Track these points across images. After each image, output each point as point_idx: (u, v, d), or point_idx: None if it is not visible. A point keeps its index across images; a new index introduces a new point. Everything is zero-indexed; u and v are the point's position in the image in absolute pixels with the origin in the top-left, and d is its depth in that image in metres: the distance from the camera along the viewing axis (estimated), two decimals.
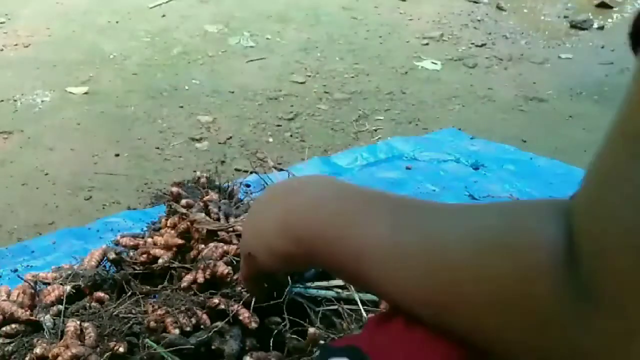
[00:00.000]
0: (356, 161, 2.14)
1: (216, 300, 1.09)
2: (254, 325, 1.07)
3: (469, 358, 0.47)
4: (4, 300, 1.15)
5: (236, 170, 2.10)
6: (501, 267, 0.40)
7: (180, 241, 1.25)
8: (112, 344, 1.03)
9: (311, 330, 1.04)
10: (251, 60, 2.98)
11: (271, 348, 1.07)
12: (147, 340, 1.04)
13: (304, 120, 2.47)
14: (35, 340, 1.06)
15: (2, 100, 2.49)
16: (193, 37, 3.18)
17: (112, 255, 1.27)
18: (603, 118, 2.29)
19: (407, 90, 2.78)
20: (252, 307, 1.08)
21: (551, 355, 0.39)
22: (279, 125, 2.42)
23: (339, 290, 1.15)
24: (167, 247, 1.26)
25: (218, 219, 1.26)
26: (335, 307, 1.12)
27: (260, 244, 0.67)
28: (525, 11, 3.81)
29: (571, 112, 2.65)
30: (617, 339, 0.34)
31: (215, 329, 1.06)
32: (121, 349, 1.02)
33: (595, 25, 3.66)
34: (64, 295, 1.17)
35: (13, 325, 1.12)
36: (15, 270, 1.52)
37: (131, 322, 1.09)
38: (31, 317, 1.12)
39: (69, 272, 1.23)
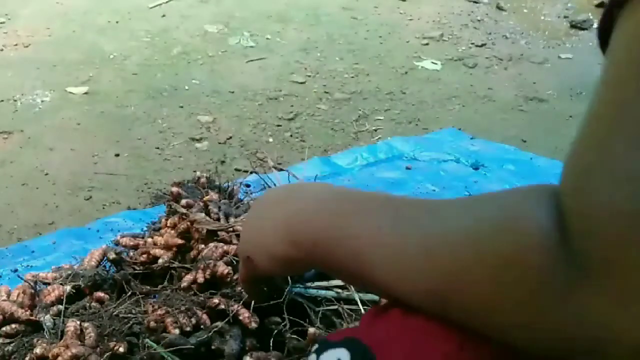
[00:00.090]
0: (356, 161, 2.14)
1: (216, 300, 1.09)
2: (254, 325, 1.07)
3: (468, 342, 0.47)
4: (4, 300, 1.15)
5: (236, 170, 2.10)
6: (498, 249, 0.42)
7: (180, 241, 1.25)
8: (112, 344, 1.03)
9: (311, 330, 1.04)
10: (251, 60, 2.98)
11: (271, 348, 1.07)
12: (147, 340, 1.04)
13: (304, 120, 2.47)
14: (35, 340, 1.06)
15: (2, 100, 2.49)
16: (193, 37, 3.18)
17: (112, 255, 1.27)
18: None
19: (407, 90, 2.78)
20: (252, 307, 1.08)
21: (546, 329, 0.40)
22: (279, 125, 2.42)
23: (339, 290, 1.15)
24: (167, 247, 1.26)
25: (218, 219, 1.26)
26: (335, 307, 1.12)
27: (260, 249, 0.67)
28: (525, 11, 3.81)
29: (571, 112, 2.65)
30: (605, 308, 0.37)
31: (215, 329, 1.06)
32: (121, 349, 1.02)
33: (595, 25, 3.65)
34: (64, 295, 1.17)
35: (13, 325, 1.12)
36: (15, 270, 1.52)
37: (131, 322, 1.09)
38: (31, 317, 1.12)
39: (69, 272, 1.23)
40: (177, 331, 1.04)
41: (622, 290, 0.36)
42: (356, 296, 1.13)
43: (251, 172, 1.83)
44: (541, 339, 0.41)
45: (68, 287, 1.19)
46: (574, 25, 3.63)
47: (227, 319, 1.07)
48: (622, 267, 0.36)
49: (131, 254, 1.32)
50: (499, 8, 3.78)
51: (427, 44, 3.28)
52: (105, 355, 1.01)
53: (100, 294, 1.19)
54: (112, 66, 2.84)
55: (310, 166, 2.03)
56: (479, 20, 3.62)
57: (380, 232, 0.52)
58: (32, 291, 1.20)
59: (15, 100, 2.50)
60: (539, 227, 0.40)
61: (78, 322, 1.08)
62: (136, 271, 1.26)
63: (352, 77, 2.88)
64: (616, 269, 0.36)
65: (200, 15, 3.41)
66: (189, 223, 1.25)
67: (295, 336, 1.07)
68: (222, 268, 1.14)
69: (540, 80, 2.97)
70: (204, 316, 1.08)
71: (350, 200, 0.58)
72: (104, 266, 1.29)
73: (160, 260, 1.25)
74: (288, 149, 2.27)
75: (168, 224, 1.31)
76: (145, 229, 1.45)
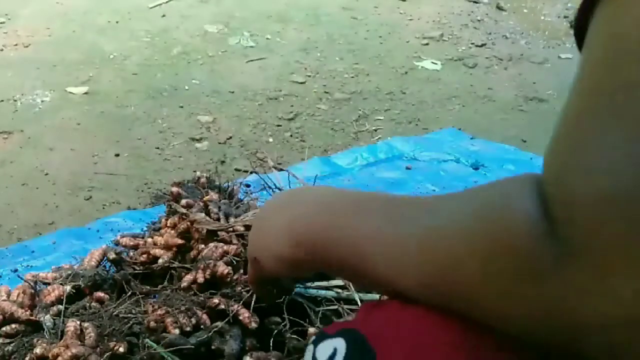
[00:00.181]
0: (356, 161, 2.14)
1: (216, 300, 1.09)
2: (254, 325, 1.07)
3: (470, 331, 0.48)
4: (4, 300, 1.15)
5: (236, 170, 2.10)
6: (487, 239, 0.44)
7: (180, 241, 1.25)
8: (112, 344, 1.03)
9: (311, 330, 1.04)
10: (251, 60, 2.98)
11: (271, 348, 1.07)
12: (147, 340, 1.04)
13: (304, 120, 2.47)
14: (35, 340, 1.06)
15: (2, 100, 2.49)
16: (193, 37, 3.18)
17: (112, 255, 1.27)
18: None
19: (407, 90, 2.78)
20: (252, 307, 1.08)
21: (534, 311, 0.42)
22: (279, 125, 2.42)
23: (339, 290, 1.15)
24: (167, 247, 1.26)
25: (218, 219, 1.26)
26: (335, 307, 1.12)
27: (266, 252, 0.70)
28: (525, 11, 3.81)
29: None
30: (584, 283, 0.39)
31: (215, 329, 1.06)
32: (121, 349, 1.02)
33: None
34: (64, 295, 1.17)
35: (13, 325, 1.12)
36: (15, 270, 1.53)
37: (131, 322, 1.09)
38: (31, 317, 1.12)
39: (69, 272, 1.23)
40: (177, 331, 1.04)
41: (598, 267, 0.39)
42: (356, 296, 1.13)
43: (251, 172, 1.83)
44: (531, 323, 0.43)
45: (68, 287, 1.19)
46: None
47: (227, 319, 1.07)
48: (597, 247, 0.38)
49: (131, 254, 1.32)
50: (499, 8, 3.78)
51: (427, 44, 3.28)
52: (105, 355, 1.01)
53: (100, 294, 1.19)
54: (112, 66, 2.84)
55: (310, 166, 2.03)
56: (479, 20, 3.62)
57: (379, 231, 0.54)
58: (32, 291, 1.20)
59: (15, 100, 2.50)
60: (526, 215, 0.42)
61: (78, 322, 1.08)
62: (136, 271, 1.26)
63: (352, 77, 2.88)
64: (593, 249, 0.39)
65: (200, 15, 3.41)
66: (189, 223, 1.25)
67: (295, 336, 1.07)
68: (222, 268, 1.14)
69: (540, 80, 2.97)
70: (204, 316, 1.08)
71: (348, 202, 0.60)
72: (104, 266, 1.29)
73: (160, 260, 1.25)
74: (288, 149, 2.27)
75: (168, 224, 1.31)
76: (145, 229, 1.45)
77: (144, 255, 1.28)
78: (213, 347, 1.05)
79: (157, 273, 1.26)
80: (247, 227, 1.22)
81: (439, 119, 2.56)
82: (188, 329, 1.06)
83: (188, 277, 1.16)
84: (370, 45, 3.22)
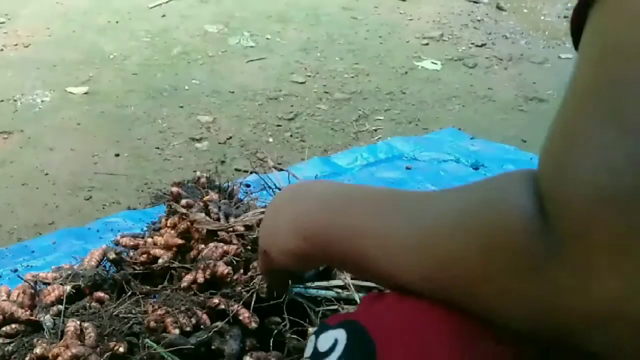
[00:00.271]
0: (356, 161, 2.14)
1: (216, 300, 1.09)
2: (254, 325, 1.07)
3: (471, 323, 0.49)
4: (4, 300, 1.15)
5: (236, 170, 2.10)
6: (485, 234, 0.45)
7: (180, 241, 1.25)
8: (112, 344, 1.03)
9: (311, 330, 1.04)
10: (251, 60, 2.98)
11: (271, 348, 1.07)
12: (147, 340, 1.04)
13: (304, 120, 2.47)
14: (35, 340, 1.06)
15: (2, 100, 2.49)
16: (193, 37, 3.18)
17: (112, 255, 1.27)
18: None
19: (407, 90, 2.78)
20: (252, 307, 1.08)
21: (532, 304, 0.43)
22: (279, 125, 2.42)
23: (339, 290, 1.15)
24: (167, 247, 1.26)
25: (218, 219, 1.26)
26: (335, 307, 1.12)
27: (274, 246, 0.73)
28: (525, 11, 3.81)
29: None
30: (575, 275, 0.40)
31: (215, 329, 1.06)
32: (121, 349, 1.02)
33: None
34: (64, 295, 1.17)
35: (13, 325, 1.12)
36: (15, 270, 1.53)
37: (131, 322, 1.09)
38: (31, 317, 1.12)
39: (69, 272, 1.23)
40: (177, 331, 1.04)
41: (585, 264, 0.40)
42: (356, 296, 1.13)
43: (251, 172, 1.83)
44: (528, 318, 0.44)
45: (68, 287, 1.19)
46: None
47: (227, 319, 1.07)
48: (585, 244, 0.39)
49: (131, 254, 1.32)
50: (499, 8, 3.78)
51: (427, 44, 3.28)
52: (105, 355, 1.01)
53: (100, 294, 1.19)
54: (112, 66, 2.84)
55: (310, 166, 2.03)
56: (479, 20, 3.62)
57: (380, 226, 0.55)
58: (32, 291, 1.20)
59: (15, 100, 2.50)
60: (522, 212, 0.43)
61: (78, 322, 1.08)
62: (136, 271, 1.26)
63: (352, 77, 2.88)
64: (580, 246, 0.40)
65: (200, 15, 3.41)
66: (189, 223, 1.25)
67: (295, 336, 1.07)
68: (222, 268, 1.14)
69: (540, 80, 2.97)
70: (204, 316, 1.08)
71: (350, 198, 0.62)
72: (104, 266, 1.29)
73: (160, 260, 1.25)
74: (288, 149, 2.27)
75: (168, 224, 1.31)
76: (145, 229, 1.45)
77: (144, 255, 1.28)
78: (213, 347, 1.05)
79: (157, 273, 1.26)
80: (247, 227, 1.22)
81: (439, 119, 2.56)
82: (188, 329, 1.06)
83: (188, 277, 1.16)
84: (370, 45, 3.22)
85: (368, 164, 2.13)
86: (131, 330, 1.08)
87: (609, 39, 0.42)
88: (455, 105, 2.68)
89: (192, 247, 1.25)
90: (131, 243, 1.34)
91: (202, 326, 1.07)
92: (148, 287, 1.21)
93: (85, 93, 2.59)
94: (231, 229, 1.23)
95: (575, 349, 0.43)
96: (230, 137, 2.32)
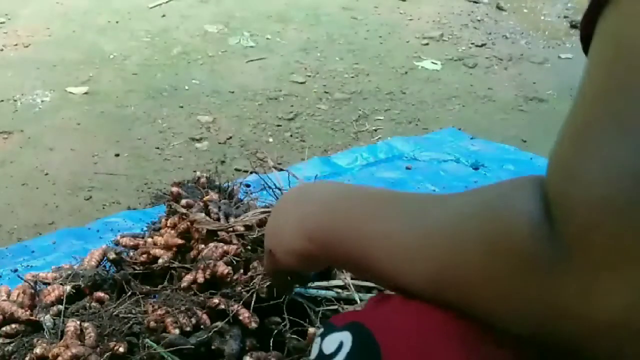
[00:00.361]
0: (356, 161, 2.14)
1: (216, 300, 1.09)
2: (254, 325, 1.07)
3: (474, 327, 0.49)
4: (4, 300, 1.15)
5: (236, 170, 2.10)
6: (491, 239, 0.45)
7: (180, 241, 1.25)
8: (112, 344, 1.03)
9: (311, 330, 1.04)
10: (251, 60, 2.98)
11: (271, 348, 1.07)
12: (147, 340, 1.04)
13: (304, 120, 2.47)
14: (35, 340, 1.06)
15: (2, 100, 2.49)
16: (193, 37, 3.18)
17: (112, 255, 1.27)
18: None
19: (407, 90, 2.78)
20: (252, 307, 1.08)
21: (536, 309, 0.43)
22: (279, 125, 2.42)
23: (339, 290, 1.15)
24: (167, 247, 1.26)
25: (218, 219, 1.26)
26: (335, 307, 1.12)
27: (280, 246, 0.74)
28: (525, 11, 3.81)
29: None
30: (580, 281, 0.40)
31: (215, 329, 1.06)
32: (121, 349, 1.02)
33: None
34: (64, 295, 1.17)
35: (13, 325, 1.12)
36: (15, 270, 1.53)
37: (131, 322, 1.09)
38: (31, 317, 1.12)
39: (69, 272, 1.23)
40: (177, 331, 1.04)
41: (589, 271, 0.39)
42: (356, 296, 1.13)
43: (251, 172, 1.83)
44: (530, 323, 0.44)
45: (68, 287, 1.19)
46: (574, 25, 3.63)
47: (227, 319, 1.07)
48: (589, 251, 0.39)
49: (131, 254, 1.32)
50: (499, 8, 3.78)
51: (427, 44, 3.28)
52: (105, 355, 1.01)
53: (100, 294, 1.19)
54: (112, 66, 2.84)
55: (310, 166, 2.03)
56: (479, 20, 3.62)
57: (383, 228, 0.55)
58: (32, 291, 1.20)
59: (15, 100, 2.50)
60: (528, 217, 0.43)
61: (78, 322, 1.08)
62: (136, 271, 1.26)
63: (352, 77, 2.88)
64: (585, 253, 0.40)
65: (200, 15, 3.41)
66: (189, 223, 1.25)
67: (295, 336, 1.07)
68: (222, 268, 1.14)
69: (540, 80, 2.97)
70: (204, 316, 1.08)
71: (355, 200, 0.63)
72: (104, 266, 1.29)
73: (160, 260, 1.25)
74: (288, 149, 2.27)
75: (168, 224, 1.31)
76: (145, 229, 1.45)
77: (144, 255, 1.28)
78: (213, 347, 1.05)
79: (157, 273, 1.25)
80: (247, 227, 1.22)
81: (439, 119, 2.56)
82: (188, 329, 1.06)
83: (188, 277, 1.16)
84: (370, 45, 3.22)
85: (368, 164, 2.13)
86: (131, 330, 1.08)
87: (622, 44, 0.42)
88: (455, 105, 2.68)
89: (192, 247, 1.24)
90: (131, 243, 1.34)
91: (202, 326, 1.07)
92: (148, 287, 1.21)
93: (85, 93, 2.59)
94: (231, 229, 1.22)
95: (576, 353, 0.43)
96: (230, 137, 2.32)
